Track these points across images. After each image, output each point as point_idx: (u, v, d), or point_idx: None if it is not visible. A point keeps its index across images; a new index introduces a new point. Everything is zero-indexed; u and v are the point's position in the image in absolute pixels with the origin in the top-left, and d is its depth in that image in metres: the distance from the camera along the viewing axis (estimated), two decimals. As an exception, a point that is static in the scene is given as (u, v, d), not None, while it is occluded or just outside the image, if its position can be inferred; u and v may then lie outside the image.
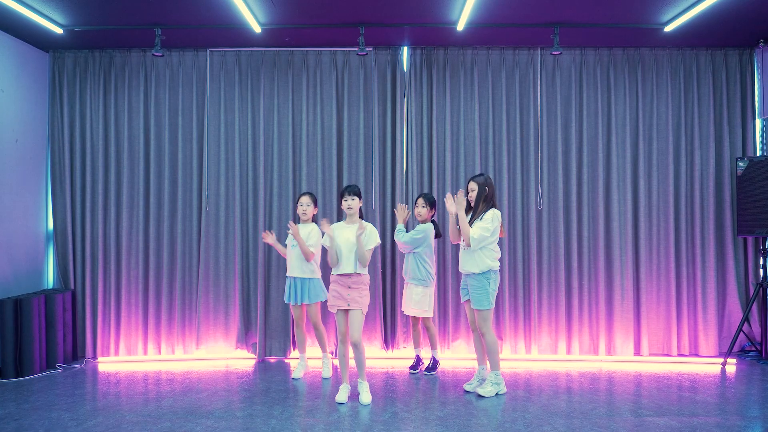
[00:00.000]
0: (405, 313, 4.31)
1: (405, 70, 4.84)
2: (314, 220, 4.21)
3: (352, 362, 3.86)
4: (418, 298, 4.18)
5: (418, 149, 4.81)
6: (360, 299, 3.66)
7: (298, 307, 4.18)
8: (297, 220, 4.39)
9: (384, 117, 4.84)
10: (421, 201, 4.23)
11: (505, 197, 4.78)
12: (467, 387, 3.87)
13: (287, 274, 4.13)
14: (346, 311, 3.67)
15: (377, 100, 4.82)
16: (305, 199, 4.14)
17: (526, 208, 4.83)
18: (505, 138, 4.81)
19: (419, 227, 4.23)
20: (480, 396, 3.70)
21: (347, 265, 3.67)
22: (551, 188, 4.82)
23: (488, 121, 4.83)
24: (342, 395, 3.65)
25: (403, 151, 4.80)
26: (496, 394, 3.73)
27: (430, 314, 4.27)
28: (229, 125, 4.84)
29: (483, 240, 3.66)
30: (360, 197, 3.78)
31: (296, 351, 4.63)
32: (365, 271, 3.73)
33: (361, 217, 3.84)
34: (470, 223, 3.74)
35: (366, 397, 3.64)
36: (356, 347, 3.65)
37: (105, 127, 4.85)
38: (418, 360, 4.43)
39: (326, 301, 3.82)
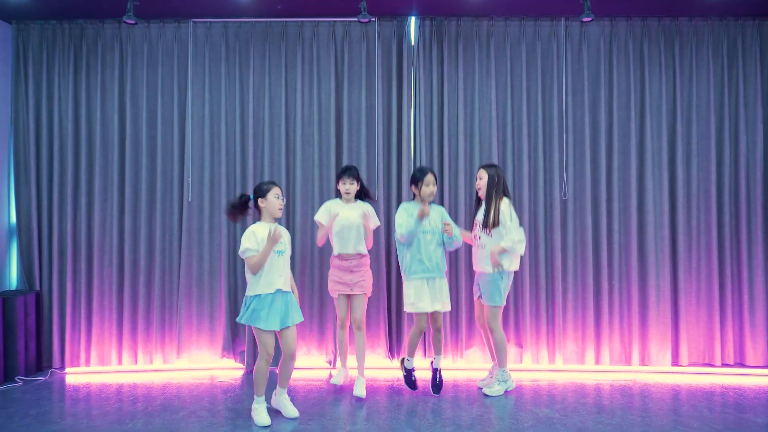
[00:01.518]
0: (443, 310, 3.83)
1: (412, 43, 4.63)
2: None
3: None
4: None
5: (427, 133, 4.60)
6: (364, 282, 3.89)
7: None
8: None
9: (389, 96, 4.64)
10: (431, 178, 3.73)
11: (525, 187, 4.56)
12: (481, 384, 4.06)
13: (268, 291, 3.28)
14: (349, 296, 3.90)
15: (381, 77, 4.61)
16: (280, 191, 3.46)
17: (549, 199, 4.60)
18: (526, 120, 4.59)
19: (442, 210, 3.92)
20: (486, 395, 3.84)
21: (348, 245, 3.87)
22: (577, 177, 4.60)
23: (506, 101, 4.62)
24: (338, 378, 4.00)
25: (410, 134, 4.60)
26: (505, 391, 3.90)
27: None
28: (215, 106, 4.63)
29: (517, 236, 3.80)
30: (359, 181, 3.96)
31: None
32: (365, 251, 3.95)
33: (363, 197, 4.04)
34: (484, 216, 3.85)
35: (361, 390, 3.76)
36: (359, 330, 3.86)
37: (75, 108, 4.63)
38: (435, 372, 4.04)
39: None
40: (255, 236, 3.29)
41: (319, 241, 3.96)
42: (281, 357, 3.41)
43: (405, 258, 3.77)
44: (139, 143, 4.62)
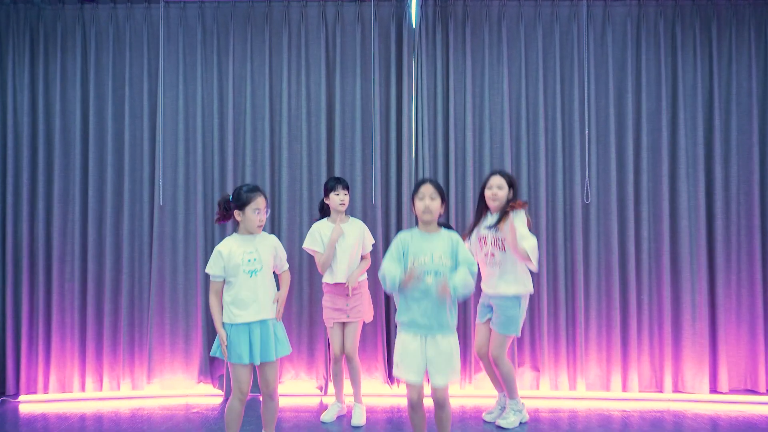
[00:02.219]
0: (438, 384, 2.82)
1: (414, 26, 4.32)
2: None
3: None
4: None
5: (430, 127, 4.30)
6: (362, 307, 3.64)
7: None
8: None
9: (387, 86, 4.35)
10: (428, 188, 2.85)
11: (542, 189, 4.25)
12: (487, 417, 3.70)
13: (241, 321, 2.86)
14: (344, 324, 3.63)
15: (378, 64, 4.30)
16: (263, 202, 2.97)
17: (569, 202, 4.29)
18: (542, 113, 4.29)
19: (458, 239, 3.00)
20: (501, 428, 3.52)
21: (342, 273, 3.58)
22: (601, 177, 4.30)
23: (520, 92, 4.32)
24: (331, 413, 3.67)
25: (411, 129, 4.30)
26: (519, 423, 3.57)
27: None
28: (190, 97, 4.32)
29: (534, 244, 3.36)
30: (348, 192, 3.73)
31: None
32: (365, 276, 3.72)
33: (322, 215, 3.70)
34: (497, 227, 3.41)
35: (359, 418, 3.58)
36: (351, 360, 3.61)
37: (32, 100, 4.30)
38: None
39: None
40: (221, 257, 2.88)
41: (321, 267, 3.63)
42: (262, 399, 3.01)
43: (400, 300, 2.90)
44: (105, 139, 4.29)
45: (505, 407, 3.63)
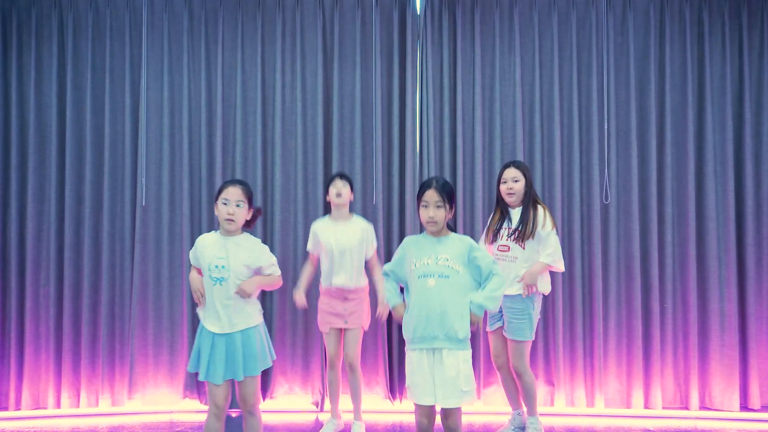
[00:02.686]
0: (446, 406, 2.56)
1: (418, 12, 4.17)
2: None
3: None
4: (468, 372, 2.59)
5: (436, 122, 4.13)
6: (361, 313, 3.40)
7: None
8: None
9: (389, 77, 4.18)
10: (432, 195, 2.58)
11: (557, 188, 4.06)
12: None
13: (208, 329, 2.68)
14: (342, 330, 3.42)
15: (380, 54, 4.14)
16: (236, 193, 2.71)
17: (587, 203, 4.11)
18: (558, 106, 4.12)
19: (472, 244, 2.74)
20: None
21: (341, 277, 3.36)
22: (622, 175, 4.13)
23: (534, 83, 4.15)
24: (327, 430, 3.44)
25: (415, 124, 4.14)
26: None
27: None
28: (176, 89, 4.14)
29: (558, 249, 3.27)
30: (352, 188, 3.49)
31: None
32: (365, 281, 3.46)
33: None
34: (520, 225, 3.25)
35: None
36: (353, 370, 3.40)
37: (4, 92, 4.13)
38: None
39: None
40: (195, 249, 2.76)
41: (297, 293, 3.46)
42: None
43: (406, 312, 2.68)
44: (83, 135, 4.12)
45: (523, 426, 3.39)
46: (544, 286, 3.29)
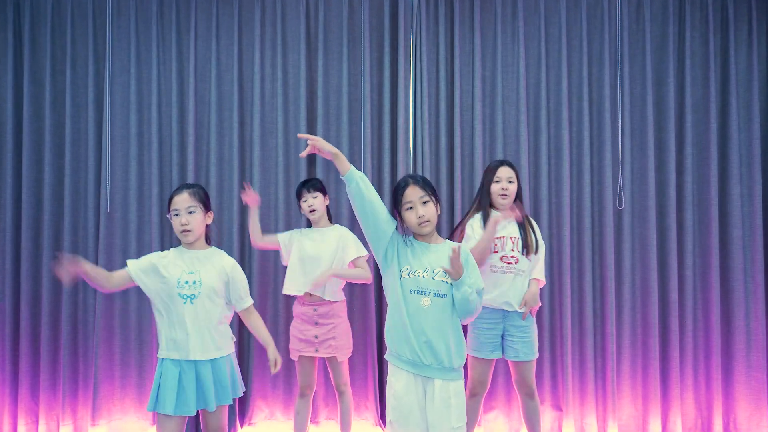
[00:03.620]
0: None
1: None
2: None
3: None
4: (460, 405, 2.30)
5: (431, 118, 3.88)
6: (335, 341, 3.07)
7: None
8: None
9: (380, 69, 3.92)
10: (415, 192, 2.35)
11: (566, 193, 3.80)
12: None
13: (172, 357, 2.44)
14: (314, 358, 3.14)
15: (369, 44, 3.88)
16: (184, 200, 2.51)
17: (598, 208, 3.87)
18: (566, 102, 3.87)
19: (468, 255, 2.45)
20: None
21: (308, 283, 3.05)
22: (637, 178, 3.90)
23: (539, 76, 3.90)
24: None
25: (408, 121, 3.88)
26: None
27: None
28: (144, 82, 3.88)
29: None
30: (325, 193, 3.26)
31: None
32: (341, 297, 3.17)
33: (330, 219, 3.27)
34: (525, 236, 3.06)
35: None
36: (342, 394, 3.18)
37: None
38: None
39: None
40: (153, 265, 2.52)
41: (254, 241, 3.29)
42: None
43: (387, 321, 2.41)
44: (42, 133, 3.84)
45: None
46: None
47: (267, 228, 3.72)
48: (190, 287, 2.40)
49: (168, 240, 3.76)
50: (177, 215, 2.45)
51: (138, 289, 3.68)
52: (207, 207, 2.53)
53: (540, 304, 3.12)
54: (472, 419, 3.07)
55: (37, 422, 3.72)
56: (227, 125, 3.82)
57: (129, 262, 2.54)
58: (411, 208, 2.28)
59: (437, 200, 2.36)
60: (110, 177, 3.74)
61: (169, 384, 2.33)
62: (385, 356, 2.36)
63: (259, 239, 3.23)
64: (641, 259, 3.80)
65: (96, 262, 3.70)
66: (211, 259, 2.50)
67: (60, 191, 3.80)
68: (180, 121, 3.82)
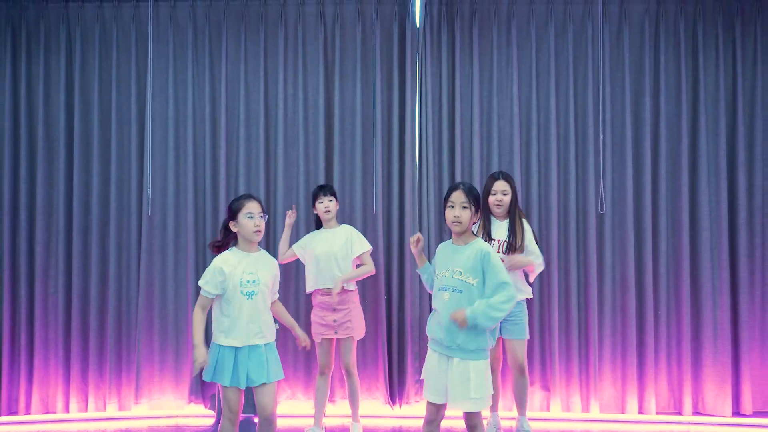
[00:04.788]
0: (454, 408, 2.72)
1: (418, 25, 4.26)
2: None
3: None
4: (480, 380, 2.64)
5: (435, 134, 4.23)
6: (351, 323, 3.54)
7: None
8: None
9: (389, 90, 4.27)
10: (460, 196, 2.69)
11: (554, 199, 4.15)
12: None
13: (232, 345, 2.78)
14: (332, 339, 3.58)
15: (380, 67, 4.22)
16: (257, 207, 2.86)
17: (582, 213, 4.20)
18: (554, 118, 4.20)
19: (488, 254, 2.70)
20: None
21: (326, 278, 3.52)
22: (617, 186, 4.21)
23: (530, 96, 4.23)
24: None
25: (414, 136, 4.23)
26: None
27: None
28: (180, 101, 4.24)
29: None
30: (337, 198, 3.70)
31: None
32: (353, 286, 3.61)
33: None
34: (511, 237, 3.46)
35: None
36: (350, 375, 3.57)
37: (14, 103, 4.23)
38: None
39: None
40: (222, 274, 2.77)
41: (280, 256, 3.68)
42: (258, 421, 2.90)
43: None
44: (90, 146, 4.21)
45: (498, 425, 3.63)
46: (529, 292, 3.55)
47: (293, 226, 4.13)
48: (251, 285, 2.76)
49: (202, 240, 4.15)
50: (251, 218, 2.77)
51: (175, 285, 4.17)
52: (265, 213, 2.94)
53: (527, 265, 3.42)
54: (494, 392, 3.49)
55: (86, 401, 4.13)
56: (254, 139, 4.20)
57: (202, 285, 2.78)
58: (452, 206, 2.67)
59: (477, 210, 2.72)
60: (151, 185, 4.12)
61: (226, 362, 2.72)
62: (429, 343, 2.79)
63: (282, 257, 3.65)
64: (620, 258, 4.13)
65: (138, 260, 4.14)
66: (264, 260, 2.88)
67: (107, 197, 4.18)
68: (212, 135, 4.20)
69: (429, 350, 2.75)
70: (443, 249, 2.81)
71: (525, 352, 3.49)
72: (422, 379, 2.80)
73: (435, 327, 2.69)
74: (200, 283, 2.80)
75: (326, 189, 3.66)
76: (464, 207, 2.65)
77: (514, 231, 3.40)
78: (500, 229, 3.46)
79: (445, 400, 2.65)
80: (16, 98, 4.20)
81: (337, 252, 3.53)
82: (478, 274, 2.61)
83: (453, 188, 2.71)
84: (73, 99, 4.20)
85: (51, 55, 4.20)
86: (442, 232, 4.09)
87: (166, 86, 4.20)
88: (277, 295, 3.00)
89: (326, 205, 3.59)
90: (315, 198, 3.65)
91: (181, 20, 4.21)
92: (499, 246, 3.40)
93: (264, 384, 2.77)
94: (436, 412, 2.71)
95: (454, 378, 2.60)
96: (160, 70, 4.21)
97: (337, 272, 3.51)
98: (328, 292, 3.50)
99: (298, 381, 4.13)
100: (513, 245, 3.38)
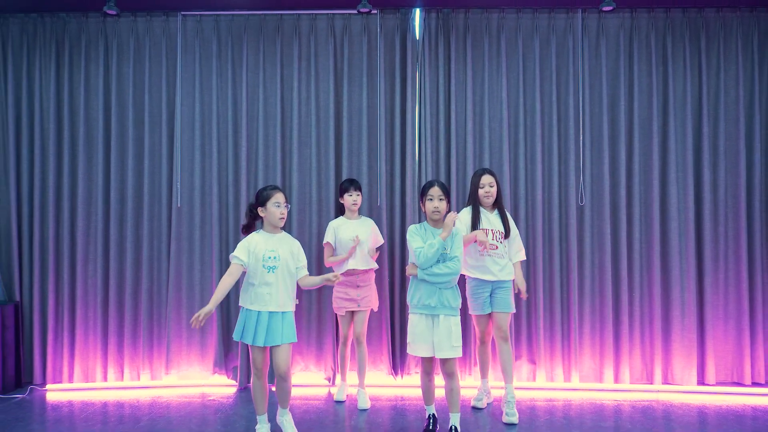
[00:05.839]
0: (441, 357, 3.21)
1: (417, 37, 4.55)
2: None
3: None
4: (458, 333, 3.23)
5: (433, 134, 4.53)
6: (370, 297, 4.01)
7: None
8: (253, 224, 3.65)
9: (392, 95, 4.58)
10: (437, 191, 3.24)
11: (539, 192, 4.48)
12: (478, 404, 3.96)
13: (255, 309, 3.20)
14: (353, 312, 3.99)
15: (384, 74, 4.54)
16: (282, 197, 3.28)
17: (564, 204, 4.52)
18: (539, 120, 4.51)
19: (457, 234, 3.27)
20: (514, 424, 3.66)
21: (357, 262, 3.93)
22: (595, 181, 4.52)
23: (518, 100, 4.54)
24: (341, 393, 4.08)
25: (414, 136, 4.53)
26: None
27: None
28: (206, 105, 4.58)
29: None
30: (362, 192, 4.14)
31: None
32: (373, 265, 4.05)
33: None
34: (503, 225, 3.85)
35: (365, 401, 3.94)
36: (360, 344, 3.98)
37: (57, 106, 4.58)
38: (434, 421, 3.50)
39: None
40: (248, 247, 3.22)
41: (327, 261, 4.04)
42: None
43: (411, 284, 3.34)
44: (126, 144, 4.56)
45: (489, 392, 4.02)
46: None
47: (303, 219, 4.48)
48: (272, 261, 3.20)
49: (225, 229, 4.50)
50: (278, 206, 3.22)
51: (201, 268, 4.53)
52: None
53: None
54: (486, 362, 3.99)
55: (122, 371, 4.49)
56: (271, 139, 4.53)
57: (233, 257, 3.18)
58: (431, 200, 3.23)
59: (448, 200, 3.29)
60: (180, 179, 4.48)
61: (251, 325, 3.17)
62: (410, 310, 3.26)
63: (329, 261, 4.01)
64: (598, 245, 4.45)
65: (168, 247, 4.49)
66: (285, 241, 3.31)
67: (140, 190, 4.53)
68: (234, 135, 4.55)
69: (415, 316, 3.22)
70: (426, 229, 3.27)
71: (509, 323, 3.84)
72: (409, 343, 3.27)
73: (421, 293, 3.19)
74: (232, 254, 3.21)
75: (355, 183, 4.05)
76: (441, 199, 3.22)
77: (505, 221, 3.79)
78: (492, 218, 3.80)
79: (433, 352, 3.16)
80: (60, 103, 4.55)
81: (364, 243, 3.96)
82: (449, 245, 3.18)
83: (430, 185, 3.25)
84: (110, 103, 4.54)
85: (90, 64, 4.55)
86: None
87: (193, 91, 4.54)
88: (305, 272, 3.34)
89: (354, 199, 4.01)
90: (344, 191, 4.02)
91: (206, 33, 4.55)
92: (494, 235, 3.76)
93: (278, 345, 3.19)
94: (430, 363, 3.24)
95: (441, 332, 3.13)
96: (187, 77, 4.55)
97: (360, 259, 3.93)
98: (352, 273, 3.93)
99: (311, 355, 4.49)
100: (507, 232, 3.78)
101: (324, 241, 4.05)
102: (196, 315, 2.97)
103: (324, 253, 4.07)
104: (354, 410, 3.92)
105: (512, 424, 3.62)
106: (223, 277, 3.17)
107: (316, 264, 4.42)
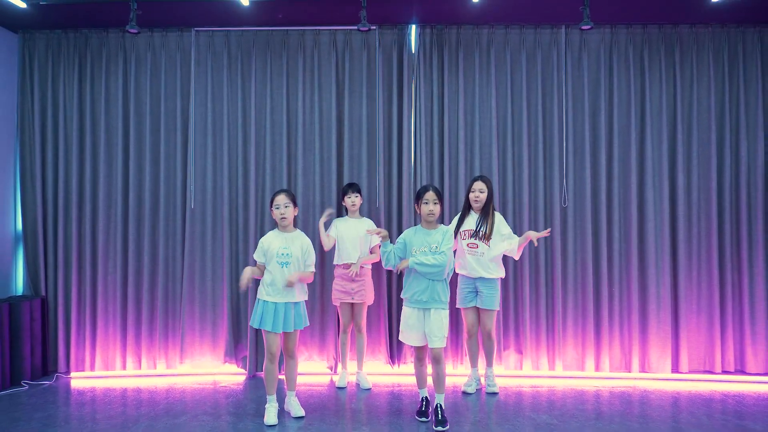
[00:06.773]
0: (431, 346, 3.50)
1: (413, 51, 4.81)
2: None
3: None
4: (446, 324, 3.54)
5: (427, 141, 4.80)
6: (364, 292, 4.28)
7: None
8: (271, 225, 4.21)
9: (389, 104, 4.83)
10: (431, 195, 3.47)
11: (525, 194, 4.75)
12: (468, 389, 4.22)
13: (271, 300, 3.51)
14: (351, 303, 4.30)
15: (382, 85, 4.80)
16: (282, 199, 3.55)
17: (549, 206, 4.78)
18: (526, 128, 4.77)
19: (447, 231, 3.54)
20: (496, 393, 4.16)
21: (352, 257, 4.24)
22: (577, 184, 4.77)
23: (506, 109, 4.80)
24: (342, 380, 4.34)
25: (410, 142, 4.78)
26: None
27: None
28: (217, 114, 4.83)
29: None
30: (361, 194, 4.42)
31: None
32: (368, 265, 4.33)
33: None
34: (482, 228, 4.08)
35: (366, 382, 4.30)
36: (359, 332, 4.33)
37: (80, 115, 4.85)
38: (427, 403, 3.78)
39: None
40: (261, 247, 3.60)
41: (325, 245, 4.35)
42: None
43: (405, 280, 3.58)
44: (143, 150, 4.82)
45: (478, 379, 4.28)
46: (501, 273, 4.16)
47: (308, 219, 4.74)
48: (285, 257, 3.52)
49: (235, 230, 4.76)
50: (278, 209, 3.54)
51: (212, 266, 4.76)
52: (295, 204, 3.63)
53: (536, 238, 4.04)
54: (474, 353, 4.27)
55: (140, 361, 4.77)
56: (278, 145, 4.78)
57: (256, 257, 3.60)
58: (426, 203, 3.49)
59: (442, 204, 3.58)
60: (193, 183, 4.75)
61: (268, 314, 3.49)
62: (403, 303, 3.56)
63: (328, 246, 4.33)
64: (581, 244, 4.70)
65: (182, 245, 4.76)
66: (297, 238, 3.62)
67: (156, 193, 4.80)
68: (243, 141, 4.81)
69: (408, 309, 3.53)
70: (417, 233, 3.54)
71: (494, 320, 4.14)
72: (402, 331, 3.59)
73: (415, 290, 3.48)
74: (254, 256, 3.63)
75: (354, 187, 4.39)
76: (435, 203, 3.49)
77: (484, 222, 4.04)
78: (471, 220, 4.11)
79: (425, 341, 3.49)
80: (82, 112, 4.83)
81: (360, 238, 4.28)
82: (440, 243, 3.46)
83: (425, 189, 3.52)
84: (128, 112, 4.81)
85: (111, 76, 4.84)
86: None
87: (206, 101, 4.79)
88: (311, 268, 3.66)
89: (353, 201, 4.36)
90: (344, 194, 4.36)
91: (218, 47, 4.83)
92: (464, 234, 4.09)
93: (291, 331, 3.55)
94: (421, 350, 3.58)
95: (432, 324, 3.45)
96: (200, 87, 4.81)
97: (357, 254, 4.26)
98: (348, 266, 4.25)
99: (314, 345, 4.77)
100: (478, 233, 4.03)
101: (326, 233, 4.37)
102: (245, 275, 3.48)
103: (320, 236, 4.32)
104: (354, 394, 4.21)
105: (494, 393, 4.16)
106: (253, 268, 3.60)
107: (320, 262, 4.67)
